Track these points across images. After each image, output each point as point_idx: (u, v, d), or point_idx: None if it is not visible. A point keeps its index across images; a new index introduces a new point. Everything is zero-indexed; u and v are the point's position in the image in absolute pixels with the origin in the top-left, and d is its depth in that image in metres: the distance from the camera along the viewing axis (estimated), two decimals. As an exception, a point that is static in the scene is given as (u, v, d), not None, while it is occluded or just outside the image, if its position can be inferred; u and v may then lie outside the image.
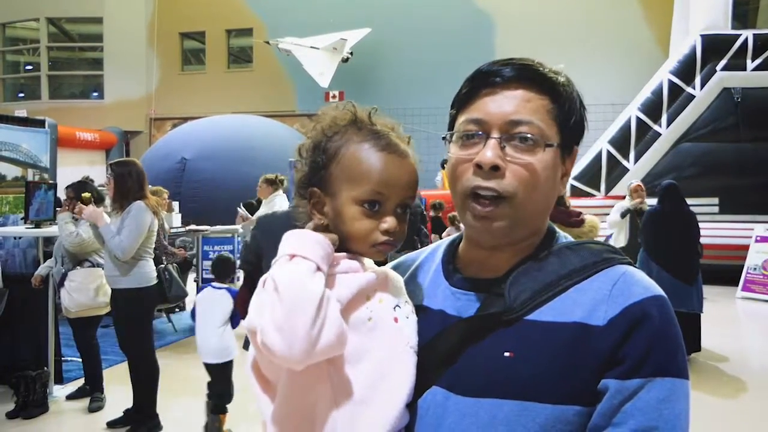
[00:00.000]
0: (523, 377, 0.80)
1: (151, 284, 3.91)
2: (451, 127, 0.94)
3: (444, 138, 0.92)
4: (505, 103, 0.86)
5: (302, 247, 0.81)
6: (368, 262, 0.91)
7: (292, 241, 0.83)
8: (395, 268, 1.03)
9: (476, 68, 0.91)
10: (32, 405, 4.25)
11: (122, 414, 4.02)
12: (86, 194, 4.01)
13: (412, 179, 0.91)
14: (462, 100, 0.91)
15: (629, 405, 0.76)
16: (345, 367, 0.82)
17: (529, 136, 0.85)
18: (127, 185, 3.80)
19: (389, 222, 0.88)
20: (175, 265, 4.76)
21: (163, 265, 4.50)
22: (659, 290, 0.84)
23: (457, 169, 0.88)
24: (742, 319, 8.14)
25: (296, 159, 0.95)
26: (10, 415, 4.19)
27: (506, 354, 0.82)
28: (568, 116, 0.89)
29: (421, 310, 0.93)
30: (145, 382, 3.93)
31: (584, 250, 0.89)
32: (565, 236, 0.94)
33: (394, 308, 0.87)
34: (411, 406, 0.85)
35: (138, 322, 3.88)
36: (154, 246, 4.03)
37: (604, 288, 0.83)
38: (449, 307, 0.91)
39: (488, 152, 0.84)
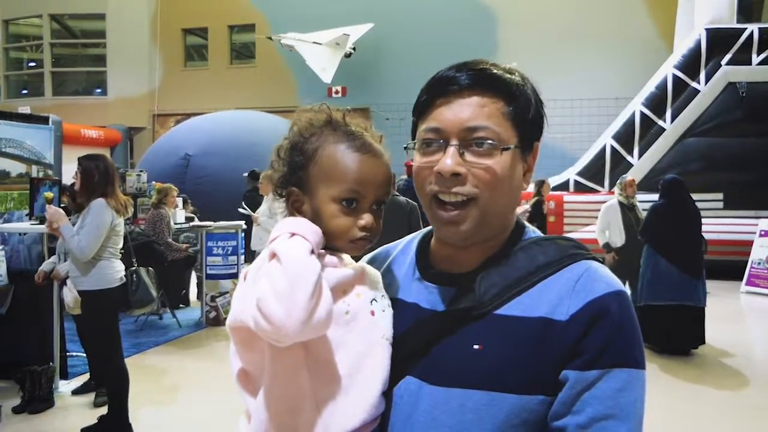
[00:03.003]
0: (491, 369, 0.84)
1: (112, 286, 3.74)
2: (414, 133, 0.97)
3: (405, 147, 0.96)
4: (461, 111, 0.89)
5: (301, 229, 0.86)
6: (346, 257, 0.95)
7: (291, 223, 0.87)
8: (371, 261, 1.06)
9: (433, 75, 0.93)
10: (38, 400, 4.29)
11: (96, 421, 3.89)
12: (48, 194, 3.92)
13: (387, 177, 0.95)
14: (421, 108, 0.94)
15: (587, 394, 0.80)
16: (323, 358, 0.86)
17: (486, 141, 0.88)
18: (94, 180, 3.67)
19: (366, 219, 0.93)
20: (150, 269, 4.61)
21: (133, 268, 4.40)
22: (620, 285, 0.88)
23: (420, 175, 0.92)
24: (746, 313, 8.14)
25: (273, 159, 0.99)
26: (17, 410, 4.24)
27: (475, 346, 0.86)
28: (524, 115, 0.91)
29: (395, 302, 0.96)
30: (114, 389, 3.78)
31: (551, 246, 0.92)
32: (533, 231, 0.97)
33: (371, 302, 0.91)
34: (386, 395, 0.89)
35: (101, 325, 3.74)
36: (120, 246, 3.87)
37: (568, 284, 0.87)
38: (423, 301, 0.94)
39: (448, 160, 0.87)
